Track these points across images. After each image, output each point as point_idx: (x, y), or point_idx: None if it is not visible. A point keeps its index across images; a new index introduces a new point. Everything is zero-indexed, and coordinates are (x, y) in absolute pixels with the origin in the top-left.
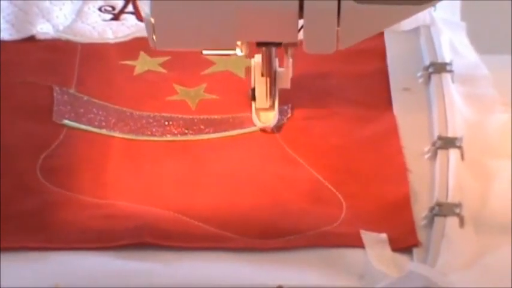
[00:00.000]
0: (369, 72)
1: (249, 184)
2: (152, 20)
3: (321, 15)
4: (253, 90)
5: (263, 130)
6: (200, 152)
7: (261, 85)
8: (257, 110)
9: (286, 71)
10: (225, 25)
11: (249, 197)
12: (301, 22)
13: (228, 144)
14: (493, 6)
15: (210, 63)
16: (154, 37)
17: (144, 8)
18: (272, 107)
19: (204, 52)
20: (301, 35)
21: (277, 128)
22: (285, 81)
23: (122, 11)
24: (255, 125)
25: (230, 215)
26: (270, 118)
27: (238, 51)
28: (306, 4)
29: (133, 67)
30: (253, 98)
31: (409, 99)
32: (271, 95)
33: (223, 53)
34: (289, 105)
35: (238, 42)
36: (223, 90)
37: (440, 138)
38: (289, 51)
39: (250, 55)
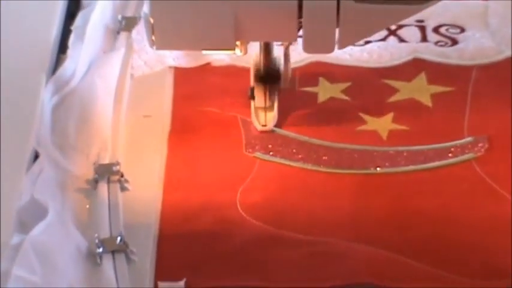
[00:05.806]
0: None
1: (459, 220)
2: (151, 20)
3: (320, 15)
4: (252, 89)
5: (263, 132)
6: (402, 186)
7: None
8: (256, 109)
9: (285, 71)
10: (224, 25)
11: (461, 234)
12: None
13: (427, 177)
14: None
15: (394, 90)
16: (153, 37)
17: None
18: (271, 107)
19: (204, 52)
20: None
21: (476, 160)
22: (284, 80)
23: None
24: (447, 159)
25: (444, 252)
26: (270, 119)
27: (237, 51)
28: (305, 4)
29: (315, 94)
30: (252, 97)
31: None
32: (271, 95)
33: (223, 52)
34: (486, 135)
35: (238, 42)
36: (410, 119)
37: None
38: (288, 50)
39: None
